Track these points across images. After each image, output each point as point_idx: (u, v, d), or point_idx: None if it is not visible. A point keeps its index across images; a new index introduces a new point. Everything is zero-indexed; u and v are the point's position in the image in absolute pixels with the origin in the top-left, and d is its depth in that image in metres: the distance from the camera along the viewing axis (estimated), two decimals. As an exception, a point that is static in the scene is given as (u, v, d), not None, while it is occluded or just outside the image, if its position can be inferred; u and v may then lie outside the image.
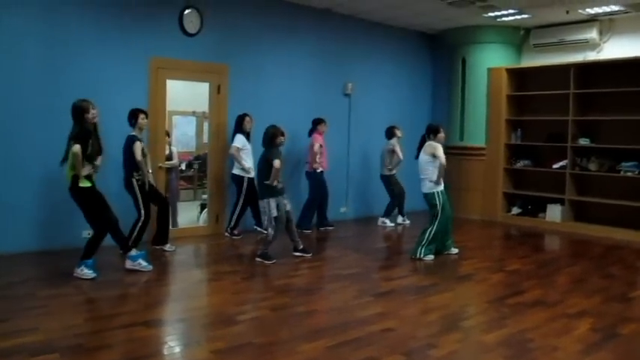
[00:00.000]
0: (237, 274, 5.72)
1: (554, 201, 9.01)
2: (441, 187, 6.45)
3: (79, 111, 5.25)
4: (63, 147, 5.28)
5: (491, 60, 9.64)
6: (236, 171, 7.42)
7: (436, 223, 6.43)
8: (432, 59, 10.62)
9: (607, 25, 8.73)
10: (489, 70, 9.63)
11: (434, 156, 6.30)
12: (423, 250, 6.46)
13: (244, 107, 7.68)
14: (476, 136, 9.78)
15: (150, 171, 6.40)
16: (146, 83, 7.03)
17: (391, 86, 9.90)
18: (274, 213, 6.10)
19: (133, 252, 5.68)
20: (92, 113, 5.29)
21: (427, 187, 6.41)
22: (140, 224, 6.26)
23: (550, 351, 3.84)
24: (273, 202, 6.12)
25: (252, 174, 7.32)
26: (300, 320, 4.37)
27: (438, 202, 6.40)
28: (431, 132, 6.50)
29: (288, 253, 6.46)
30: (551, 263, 6.69)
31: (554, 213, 8.97)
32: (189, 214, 8.72)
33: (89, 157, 5.26)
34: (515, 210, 9.55)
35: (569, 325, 4.35)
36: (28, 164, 6.25)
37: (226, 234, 7.56)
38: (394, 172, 8.73)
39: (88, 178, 5.31)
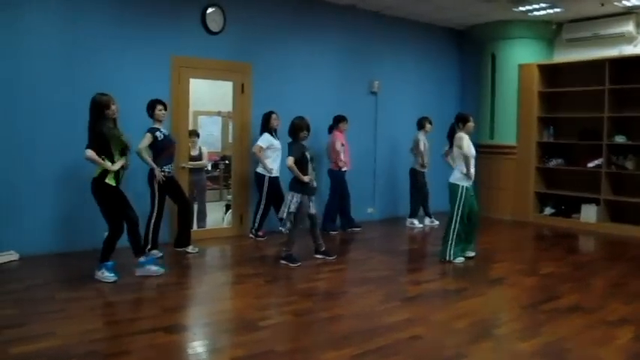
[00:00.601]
0: (260, 277, 5.57)
1: (588, 201, 8.69)
2: (468, 184, 6.13)
3: (99, 106, 5.02)
4: (81, 146, 5.16)
5: (522, 56, 9.34)
6: (259, 169, 7.23)
7: (457, 220, 6.14)
8: (461, 56, 10.36)
9: (645, 17, 8.40)
10: (520, 66, 9.33)
11: (460, 148, 6.09)
12: (452, 252, 6.21)
13: (268, 106, 7.54)
14: (506, 134, 9.49)
15: (166, 170, 6.09)
16: (168, 82, 6.93)
17: (418, 84, 9.67)
18: (292, 208, 5.93)
19: (142, 258, 5.47)
20: (112, 109, 5.07)
21: (454, 176, 6.16)
22: (153, 219, 6.10)
23: (590, 362, 3.61)
24: (296, 197, 5.95)
25: (275, 173, 7.18)
26: (324, 326, 4.20)
27: (459, 197, 6.09)
28: (460, 121, 6.23)
29: (311, 255, 6.29)
30: (587, 266, 6.41)
31: (589, 213, 8.65)
32: (214, 215, 8.61)
33: (122, 151, 5.21)
34: (549, 210, 9.24)
35: (610, 334, 4.10)
36: (47, 164, 6.18)
37: (251, 235, 7.41)
38: (424, 169, 8.45)
39: (116, 175, 5.16)
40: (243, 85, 7.58)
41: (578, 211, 8.83)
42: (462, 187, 6.11)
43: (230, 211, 7.95)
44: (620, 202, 8.45)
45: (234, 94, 7.60)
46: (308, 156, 6.12)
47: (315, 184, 6.16)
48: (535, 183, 9.28)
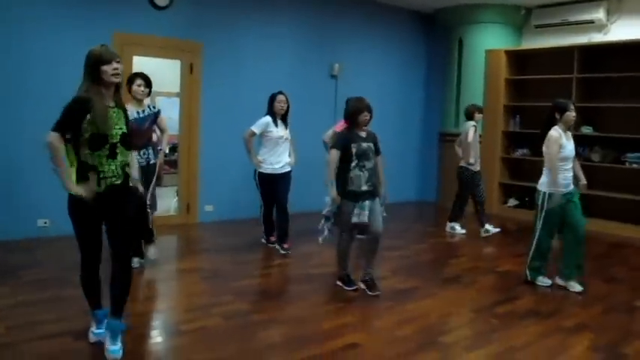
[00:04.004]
0: (197, 273, 5.14)
1: (553, 193, 8.40)
2: (553, 190, 4.87)
3: (92, 61, 3.24)
4: (11, 132, 4.64)
5: (489, 41, 8.98)
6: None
7: (538, 233, 5.05)
8: (427, 40, 9.95)
9: (615, 4, 8.06)
10: (487, 52, 8.97)
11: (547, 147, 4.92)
12: (528, 271, 5.19)
13: (220, 88, 7.11)
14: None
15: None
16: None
17: (382, 68, 9.25)
18: (325, 212, 4.81)
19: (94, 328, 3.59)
20: (109, 69, 3.22)
21: (539, 181, 5.04)
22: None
23: (541, 376, 3.26)
24: (327, 199, 4.78)
25: (277, 169, 5.87)
26: (254, 332, 3.77)
27: (539, 204, 4.96)
28: (556, 110, 4.92)
29: (258, 243, 5.86)
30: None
31: (553, 206, 8.37)
32: (166, 201, 8.09)
33: (92, 144, 3.20)
34: (512, 202, 8.97)
35: (566, 343, 3.77)
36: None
37: (262, 240, 6.27)
38: (471, 166, 7.10)
39: (81, 177, 3.23)
40: (192, 65, 7.08)
41: (543, 203, 8.55)
42: (544, 193, 4.94)
43: (177, 197, 7.50)
44: (586, 195, 8.15)
45: (181, 75, 7.11)
46: (363, 147, 4.62)
47: (364, 187, 4.60)
48: (500, 173, 8.98)
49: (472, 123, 7.12)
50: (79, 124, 3.15)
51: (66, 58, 5.98)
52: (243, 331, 3.80)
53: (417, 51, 9.84)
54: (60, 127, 3.17)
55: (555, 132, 4.84)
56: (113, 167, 3.29)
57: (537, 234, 5.07)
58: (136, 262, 5.03)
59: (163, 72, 8.32)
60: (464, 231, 7.37)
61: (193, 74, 7.10)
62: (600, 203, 8.01)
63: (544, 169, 4.98)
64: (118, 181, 3.33)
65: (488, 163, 8.97)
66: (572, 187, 5.00)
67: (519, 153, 8.87)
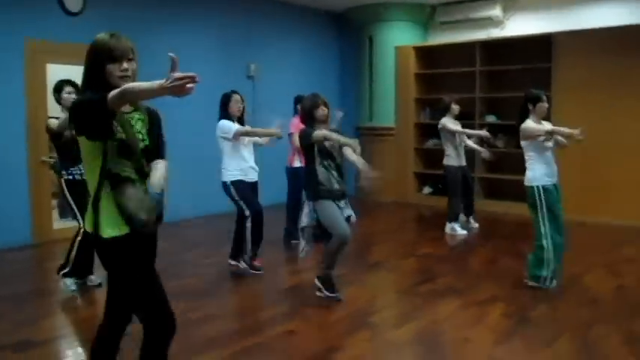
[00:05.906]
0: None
1: (464, 179, 8.95)
2: (545, 181, 4.66)
3: (93, 57, 2.38)
4: None
5: (398, 38, 9.43)
6: (224, 176, 5.22)
7: (546, 231, 4.65)
8: (339, 39, 10.30)
9: (510, 2, 8.70)
10: (396, 48, 9.42)
11: (531, 137, 4.64)
12: (549, 276, 4.69)
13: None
14: (385, 116, 9.58)
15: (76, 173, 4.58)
16: (22, 69, 6.28)
17: (297, 67, 9.50)
18: (304, 222, 4.45)
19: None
20: (120, 69, 2.36)
21: (525, 178, 4.77)
22: (79, 238, 4.59)
23: (461, 343, 3.62)
24: (306, 208, 4.46)
25: (241, 176, 5.20)
26: (193, 329, 3.92)
27: (538, 201, 4.66)
28: (529, 100, 4.72)
29: (190, 247, 5.97)
30: (463, 244, 6.57)
31: (464, 191, 8.92)
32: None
33: (125, 151, 2.40)
34: (427, 190, 9.47)
35: (481, 313, 4.16)
36: None
37: (231, 263, 5.38)
38: (452, 162, 7.12)
39: (129, 216, 2.36)
40: (107, 70, 7.05)
41: (455, 189, 9.09)
42: (537, 187, 4.66)
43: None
44: (494, 179, 8.77)
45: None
46: (324, 145, 4.35)
47: (336, 185, 4.40)
48: (414, 163, 9.45)
49: (444, 120, 7.06)
50: (105, 122, 2.26)
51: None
52: (181, 329, 3.86)
53: (330, 49, 10.16)
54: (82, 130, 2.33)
55: (530, 123, 4.66)
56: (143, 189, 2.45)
57: (547, 235, 4.65)
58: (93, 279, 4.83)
59: (78, 79, 8.21)
60: (464, 232, 7.00)
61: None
62: (507, 186, 8.63)
63: (528, 162, 4.76)
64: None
65: (403, 153, 9.46)
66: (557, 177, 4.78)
67: (431, 143, 9.37)
